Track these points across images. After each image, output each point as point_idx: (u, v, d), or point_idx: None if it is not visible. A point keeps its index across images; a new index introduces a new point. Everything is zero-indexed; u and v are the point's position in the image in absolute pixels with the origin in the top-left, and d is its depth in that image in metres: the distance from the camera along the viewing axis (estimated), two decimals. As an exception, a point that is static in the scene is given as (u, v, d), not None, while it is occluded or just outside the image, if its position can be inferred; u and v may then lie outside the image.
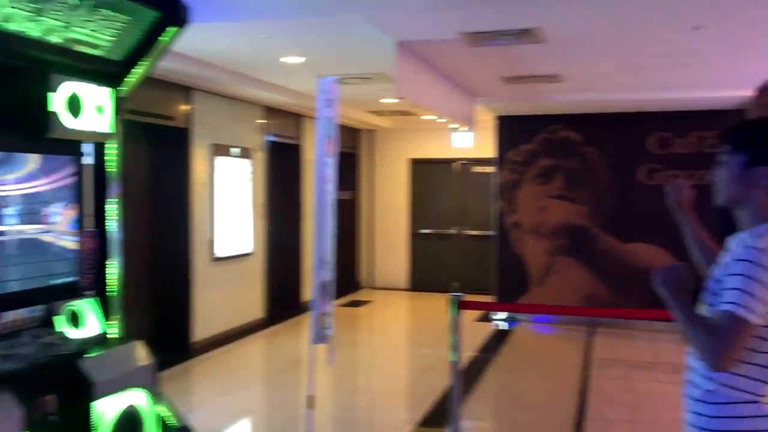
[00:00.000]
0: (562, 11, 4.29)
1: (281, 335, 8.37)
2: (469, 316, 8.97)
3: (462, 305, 4.47)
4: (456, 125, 9.26)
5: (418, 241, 11.58)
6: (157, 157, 7.20)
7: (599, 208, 8.82)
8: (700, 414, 2.03)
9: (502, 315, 9.18)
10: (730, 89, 7.08)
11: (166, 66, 5.73)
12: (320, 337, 4.54)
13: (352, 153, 11.49)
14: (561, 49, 5.30)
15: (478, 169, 11.13)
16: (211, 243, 7.52)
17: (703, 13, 4.32)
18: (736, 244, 2.03)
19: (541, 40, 4.89)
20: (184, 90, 7.05)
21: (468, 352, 7.36)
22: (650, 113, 8.51)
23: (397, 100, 8.31)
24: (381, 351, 8.21)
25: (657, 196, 8.36)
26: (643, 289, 8.52)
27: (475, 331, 8.41)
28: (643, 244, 8.59)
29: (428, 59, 5.80)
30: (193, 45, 5.37)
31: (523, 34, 4.74)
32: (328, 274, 4.49)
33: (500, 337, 8.43)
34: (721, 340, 1.88)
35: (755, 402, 1.97)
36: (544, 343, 8.40)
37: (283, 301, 9.19)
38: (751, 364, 1.95)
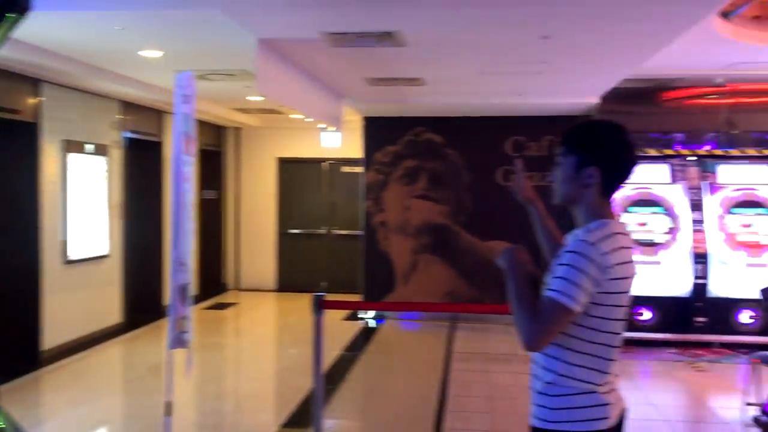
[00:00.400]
0: (420, 16, 4.39)
1: (140, 340, 8.02)
2: (338, 315, 9.02)
3: (325, 305, 4.48)
4: (324, 125, 9.28)
5: (286, 241, 11.48)
6: (1, 153, 6.68)
7: (460, 207, 9.14)
8: (541, 406, 2.11)
9: (370, 313, 9.30)
10: (578, 96, 7.54)
11: (9, 56, 5.36)
12: (178, 342, 4.39)
13: (217, 151, 11.22)
14: (422, 53, 5.43)
15: (347, 169, 11.20)
16: (63, 245, 7.08)
17: (551, 23, 4.57)
18: (570, 238, 2.16)
19: (402, 43, 4.99)
20: (32, 82, 6.58)
21: (335, 351, 7.40)
22: (507, 117, 8.90)
23: (262, 98, 8.20)
24: (246, 353, 8.07)
25: (512, 196, 8.85)
26: (501, 285, 8.94)
27: (343, 330, 8.47)
28: (501, 241, 8.96)
29: (292, 58, 5.76)
30: (40, 34, 5.03)
31: (385, 37, 4.81)
32: (187, 276, 4.36)
33: (367, 335, 8.53)
34: (537, 322, 2.00)
35: (593, 392, 2.06)
36: (408, 340, 8.59)
37: (143, 305, 8.80)
38: (587, 354, 2.06)
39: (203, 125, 10.26)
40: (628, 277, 2.07)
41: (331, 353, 7.26)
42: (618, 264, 2.02)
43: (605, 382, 2.08)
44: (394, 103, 8.13)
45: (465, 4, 4.13)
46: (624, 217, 7.67)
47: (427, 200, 9.17)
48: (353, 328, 8.69)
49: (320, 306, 4.30)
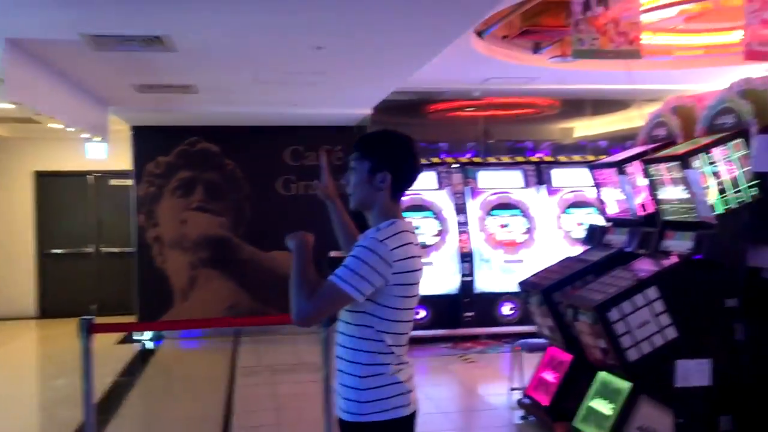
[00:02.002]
0: (189, 20, 4.22)
1: None
2: (111, 339, 8.41)
3: (95, 329, 4.13)
4: (88, 135, 8.61)
5: (48, 263, 10.43)
6: None
7: (240, 218, 8.98)
8: (352, 400, 2.22)
9: (146, 334, 8.79)
10: (352, 107, 7.77)
11: None
12: None
13: (-40, 165, 9.91)
14: (194, 59, 5.24)
15: (116, 182, 10.48)
16: None
17: (323, 34, 4.64)
18: (361, 237, 2.27)
19: (172, 48, 4.78)
20: None
21: (108, 378, 6.87)
22: (285, 127, 8.93)
23: (13, 106, 7.39)
24: (3, 390, 7.19)
25: (293, 205, 8.92)
26: (284, 295, 8.93)
27: (117, 355, 7.90)
28: (282, 252, 8.93)
29: (49, 61, 5.26)
30: None
31: (153, 41, 4.58)
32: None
33: (144, 358, 8.04)
34: (313, 301, 2.15)
35: (398, 382, 2.23)
36: (190, 359, 8.23)
37: None
38: (385, 343, 2.22)
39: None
40: (416, 270, 2.26)
41: (104, 380, 6.73)
42: (404, 259, 2.20)
43: (404, 369, 2.26)
44: (166, 111, 7.76)
45: (235, 11, 4.06)
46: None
47: (204, 212, 8.89)
48: (128, 352, 8.14)
49: (89, 330, 3.95)
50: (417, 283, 2.28)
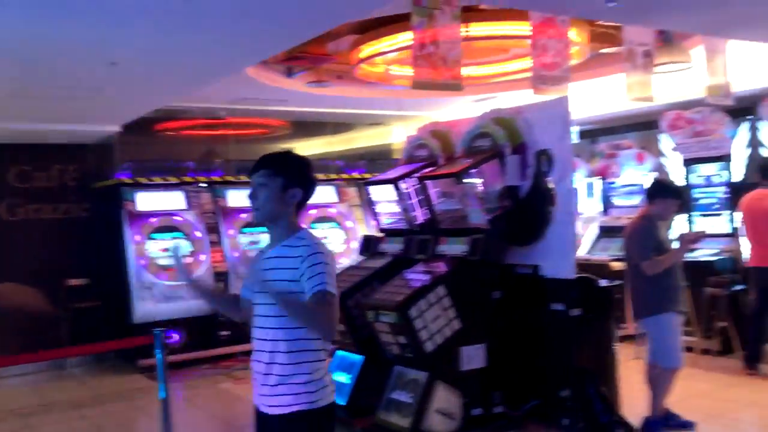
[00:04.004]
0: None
1: None
2: None
3: None
4: None
5: None
6: None
7: (-46, 248, 7.80)
8: (304, 393, 2.41)
9: None
10: (104, 124, 7.29)
11: None
12: None
13: None
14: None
15: None
16: None
17: (119, 50, 4.46)
18: (284, 252, 2.47)
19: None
20: None
21: None
22: (9, 145, 8.00)
23: None
24: None
25: (20, 231, 8.01)
26: (13, 332, 7.92)
27: None
28: (8, 284, 8.01)
29: None
30: None
31: None
32: None
33: None
34: (331, 314, 2.38)
35: (329, 370, 2.54)
36: None
37: None
38: (320, 339, 2.49)
39: None
40: None
41: None
42: None
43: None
44: None
45: (40, 16, 3.75)
46: (152, 244, 7.80)
47: None
48: None
49: None
50: None
